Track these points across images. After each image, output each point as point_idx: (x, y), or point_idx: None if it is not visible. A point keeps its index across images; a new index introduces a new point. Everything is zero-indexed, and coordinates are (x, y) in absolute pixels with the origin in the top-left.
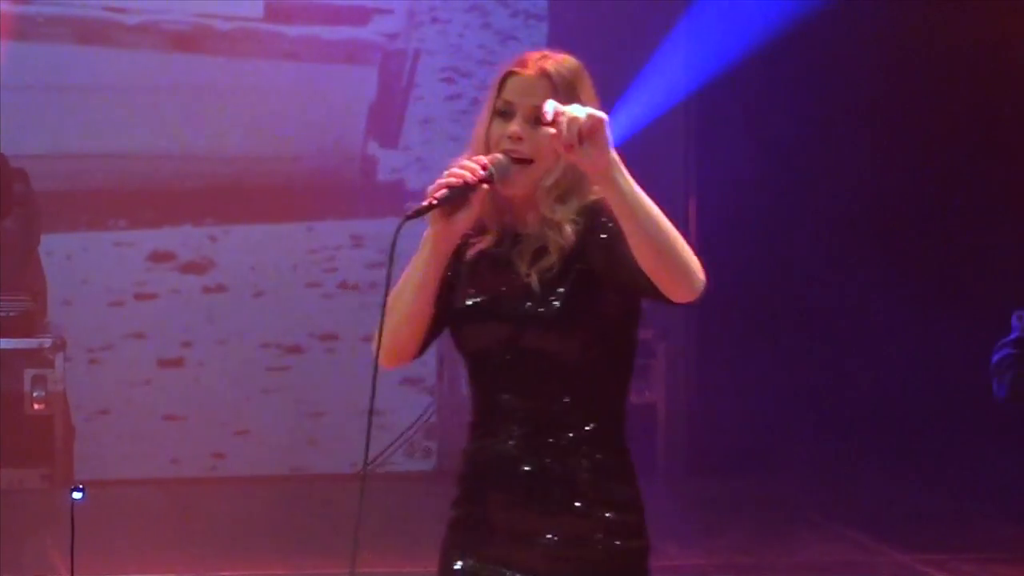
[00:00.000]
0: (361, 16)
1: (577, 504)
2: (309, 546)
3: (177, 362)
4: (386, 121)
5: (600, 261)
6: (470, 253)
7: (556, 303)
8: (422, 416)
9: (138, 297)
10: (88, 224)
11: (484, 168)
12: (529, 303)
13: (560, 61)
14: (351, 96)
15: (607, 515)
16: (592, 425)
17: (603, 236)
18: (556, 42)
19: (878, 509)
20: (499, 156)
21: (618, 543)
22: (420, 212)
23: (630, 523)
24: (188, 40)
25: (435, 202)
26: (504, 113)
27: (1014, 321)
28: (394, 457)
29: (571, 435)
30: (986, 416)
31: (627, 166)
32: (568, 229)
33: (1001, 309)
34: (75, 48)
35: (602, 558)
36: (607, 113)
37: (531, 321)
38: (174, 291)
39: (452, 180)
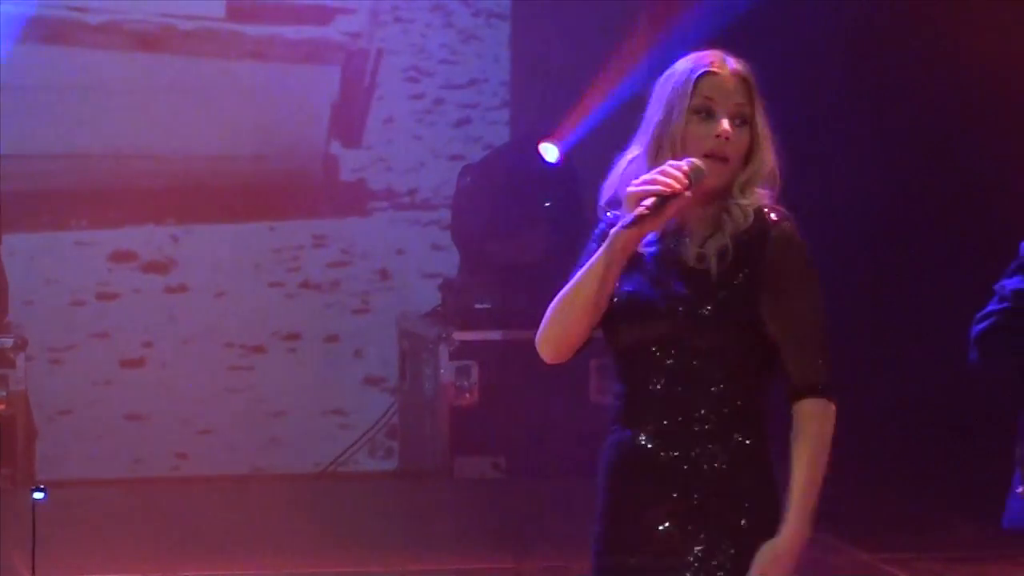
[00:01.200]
0: (323, 16)
1: (715, 497)
2: (271, 546)
3: (139, 362)
4: (349, 120)
5: (770, 282)
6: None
7: (719, 299)
8: (384, 416)
9: (100, 297)
10: (50, 224)
11: (686, 175)
12: (690, 298)
13: (742, 63)
14: (313, 96)
15: (745, 505)
16: (737, 421)
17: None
18: (519, 42)
19: (839, 508)
20: (696, 162)
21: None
22: (637, 223)
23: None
24: (150, 40)
25: (647, 212)
26: (705, 112)
27: (1022, 248)
28: (356, 457)
29: (720, 429)
30: (947, 414)
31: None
32: (746, 213)
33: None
34: (37, 47)
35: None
36: (591, 112)
37: (689, 317)
38: (136, 291)
39: (660, 189)
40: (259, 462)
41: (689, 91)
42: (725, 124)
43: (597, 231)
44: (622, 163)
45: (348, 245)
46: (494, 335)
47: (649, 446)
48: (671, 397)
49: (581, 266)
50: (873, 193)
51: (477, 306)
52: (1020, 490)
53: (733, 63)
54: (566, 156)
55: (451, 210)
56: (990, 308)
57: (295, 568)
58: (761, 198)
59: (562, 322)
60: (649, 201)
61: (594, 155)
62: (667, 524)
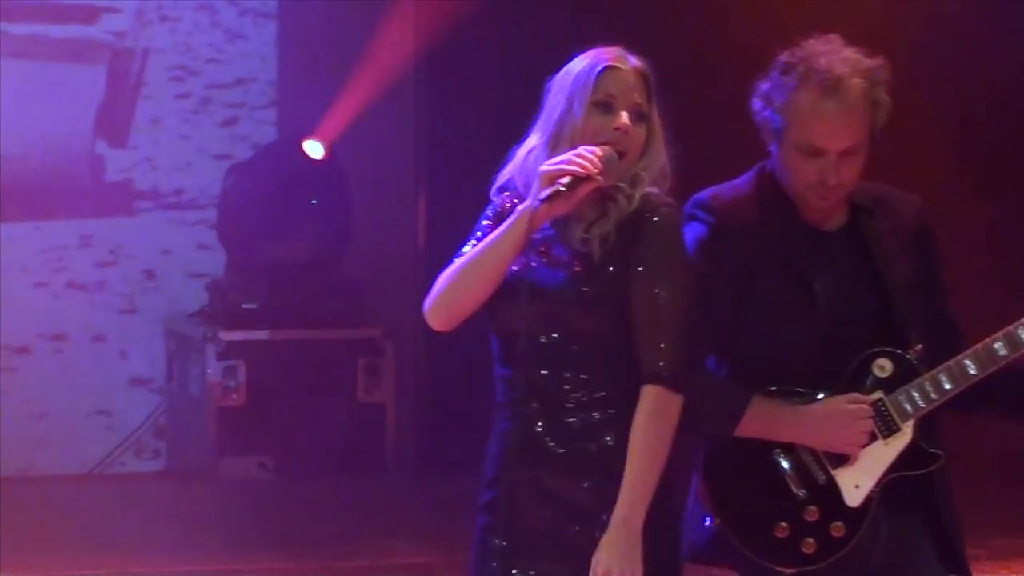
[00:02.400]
0: (89, 15)
1: (586, 483)
2: (36, 548)
3: None
4: (115, 120)
5: (638, 266)
6: None
7: (597, 283)
8: (150, 416)
9: None
10: None
11: (600, 160)
12: (571, 281)
13: (642, 61)
14: (79, 95)
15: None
16: (614, 406)
17: (646, 254)
18: (286, 41)
19: None
20: (609, 149)
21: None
22: (550, 200)
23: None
24: None
25: (562, 189)
26: (604, 106)
27: None
28: (123, 458)
29: (596, 415)
30: None
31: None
32: (631, 200)
33: None
34: None
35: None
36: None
37: (570, 300)
38: None
39: (576, 169)
40: (25, 464)
41: (591, 84)
42: (624, 118)
43: (490, 212)
44: (521, 152)
45: (115, 245)
46: (261, 335)
47: (539, 431)
48: (555, 381)
49: (473, 242)
50: None
51: (244, 306)
52: (708, 523)
53: (634, 60)
54: (332, 153)
55: (217, 210)
56: None
57: (59, 571)
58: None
59: (459, 291)
60: (565, 180)
61: (361, 151)
62: (564, 512)
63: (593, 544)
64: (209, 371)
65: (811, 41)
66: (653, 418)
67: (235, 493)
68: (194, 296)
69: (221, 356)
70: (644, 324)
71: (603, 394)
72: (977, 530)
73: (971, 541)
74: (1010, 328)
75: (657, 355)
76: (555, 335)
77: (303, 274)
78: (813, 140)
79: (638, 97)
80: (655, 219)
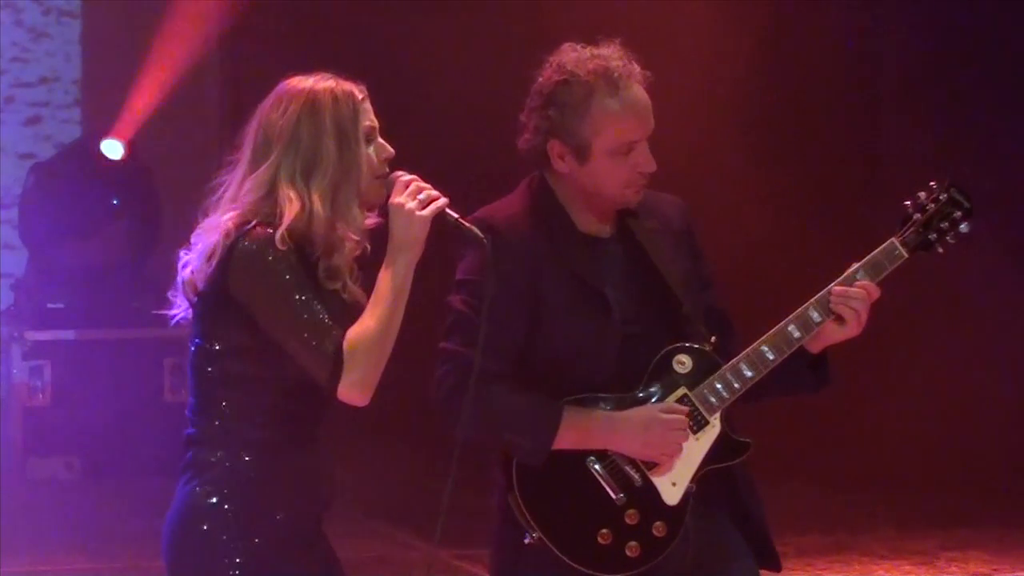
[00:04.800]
0: None
1: None
2: None
3: None
4: None
5: None
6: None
7: None
8: None
9: None
10: None
11: None
12: None
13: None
14: None
15: None
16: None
17: None
18: (90, 40)
19: (416, 504)
20: None
21: None
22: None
23: None
24: None
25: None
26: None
27: None
28: None
29: None
30: None
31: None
32: None
33: None
34: None
35: None
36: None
37: None
38: None
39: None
40: None
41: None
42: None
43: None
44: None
45: None
46: (67, 334)
47: None
48: None
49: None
50: None
51: (50, 305)
52: (528, 540)
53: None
54: (133, 152)
55: (18, 209)
56: None
57: None
58: None
59: (381, 360)
60: (442, 201)
61: (165, 147)
62: None
63: None
64: (15, 371)
65: (559, 54)
66: None
67: (41, 493)
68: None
69: (27, 356)
70: None
71: None
72: (782, 528)
73: (776, 540)
74: (801, 311)
75: None
76: None
77: (107, 273)
78: (628, 136)
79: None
80: None
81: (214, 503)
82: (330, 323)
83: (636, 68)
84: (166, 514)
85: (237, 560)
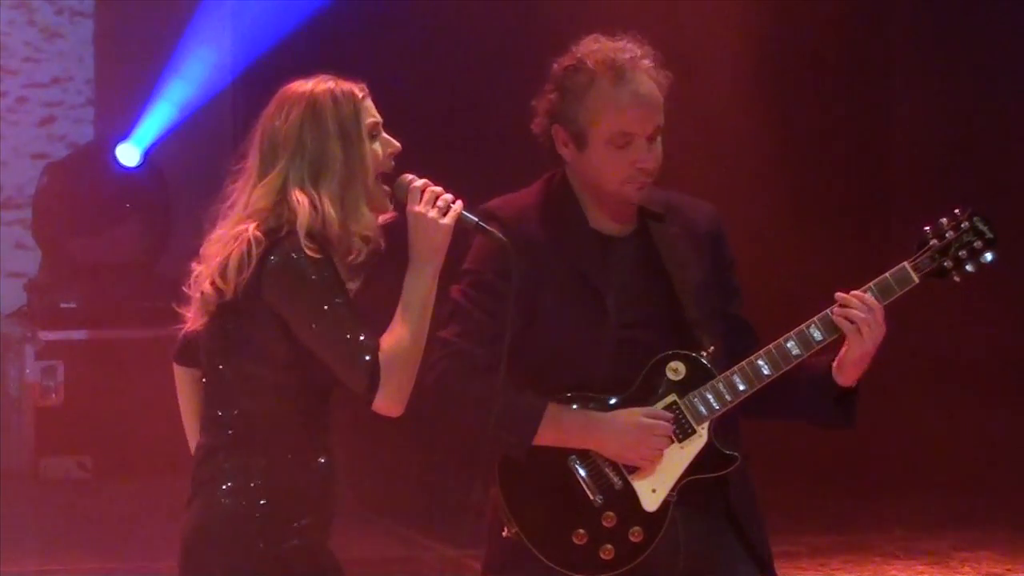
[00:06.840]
0: None
1: None
2: None
3: None
4: None
5: None
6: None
7: None
8: None
9: None
10: None
11: None
12: None
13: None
14: None
15: None
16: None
17: None
18: (103, 40)
19: (425, 504)
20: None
21: None
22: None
23: None
24: None
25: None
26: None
27: None
28: None
29: None
30: None
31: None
32: None
33: None
34: None
35: None
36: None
37: None
38: None
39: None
40: None
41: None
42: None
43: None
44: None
45: None
46: (80, 334)
47: None
48: None
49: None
50: None
51: (63, 305)
52: (506, 533)
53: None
54: (149, 156)
55: (32, 209)
56: None
57: None
58: None
59: (413, 371)
60: (459, 205)
61: (178, 154)
62: None
63: None
64: (27, 371)
65: (580, 44)
66: None
67: (54, 493)
68: (13, 296)
69: (40, 356)
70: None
71: None
72: (795, 528)
73: (789, 539)
74: (802, 327)
75: None
76: None
77: (120, 274)
78: (623, 127)
79: None
80: None
81: (236, 511)
82: (364, 337)
83: (648, 62)
84: (182, 522)
85: (261, 569)
